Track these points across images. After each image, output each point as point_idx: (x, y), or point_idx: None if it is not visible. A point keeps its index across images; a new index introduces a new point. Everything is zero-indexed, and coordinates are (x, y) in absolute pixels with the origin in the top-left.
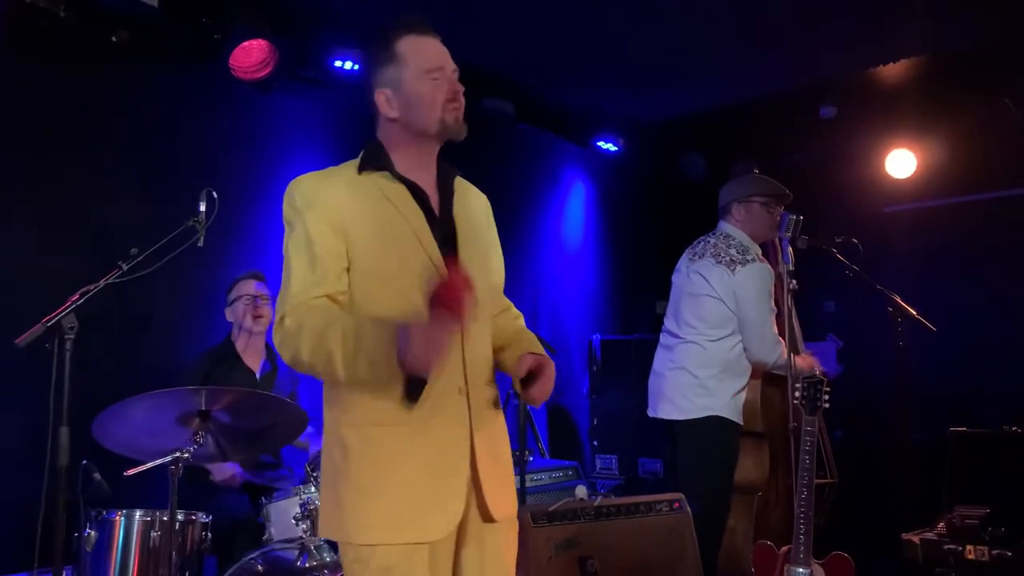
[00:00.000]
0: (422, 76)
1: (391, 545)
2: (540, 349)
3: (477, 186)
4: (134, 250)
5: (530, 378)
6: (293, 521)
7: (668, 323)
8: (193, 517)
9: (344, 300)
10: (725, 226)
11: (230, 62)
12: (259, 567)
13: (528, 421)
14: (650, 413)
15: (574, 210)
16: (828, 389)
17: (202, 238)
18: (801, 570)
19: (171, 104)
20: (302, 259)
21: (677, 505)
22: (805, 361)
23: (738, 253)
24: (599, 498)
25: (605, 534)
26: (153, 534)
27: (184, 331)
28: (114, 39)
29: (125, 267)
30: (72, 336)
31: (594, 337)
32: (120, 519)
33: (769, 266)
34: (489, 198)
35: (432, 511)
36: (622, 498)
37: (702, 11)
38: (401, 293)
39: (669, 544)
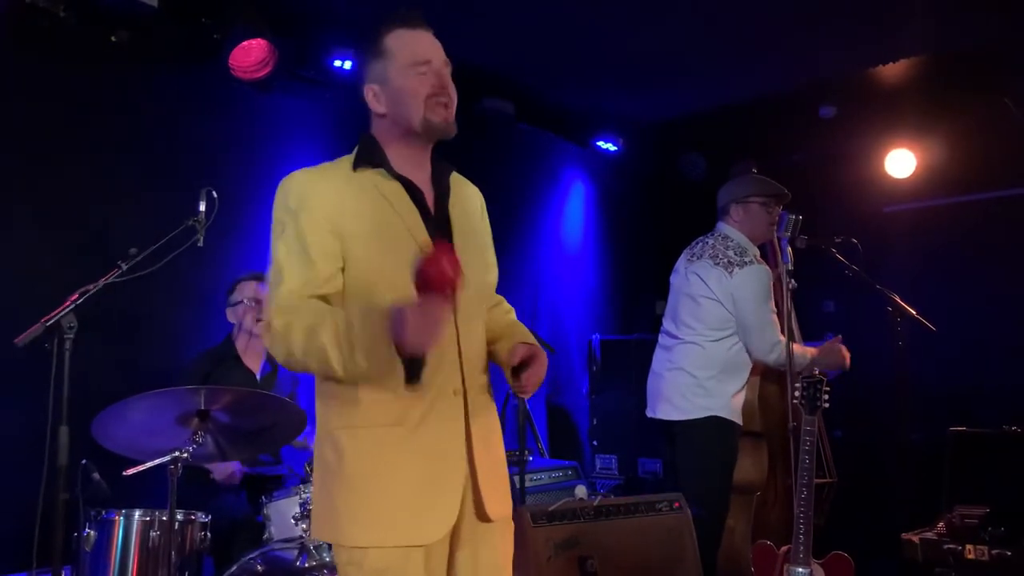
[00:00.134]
0: (407, 70)
1: (385, 548)
2: (532, 340)
3: (477, 186)
4: (133, 250)
5: (522, 367)
6: (292, 521)
7: (666, 324)
8: (192, 517)
9: (336, 301)
10: (723, 227)
11: (230, 62)
12: (258, 567)
13: (528, 421)
14: (649, 414)
15: (574, 210)
16: (827, 389)
17: (202, 238)
18: (801, 570)
19: (171, 104)
20: (293, 261)
21: (677, 505)
22: (803, 349)
23: (736, 255)
24: (599, 498)
25: (605, 534)
26: (152, 534)
27: (183, 331)
28: (114, 39)
29: (124, 267)
30: (71, 336)
31: (594, 337)
32: (119, 519)
33: (767, 267)
34: (489, 198)
35: (427, 513)
36: (622, 498)
37: (702, 11)
38: (396, 291)
39: (669, 544)
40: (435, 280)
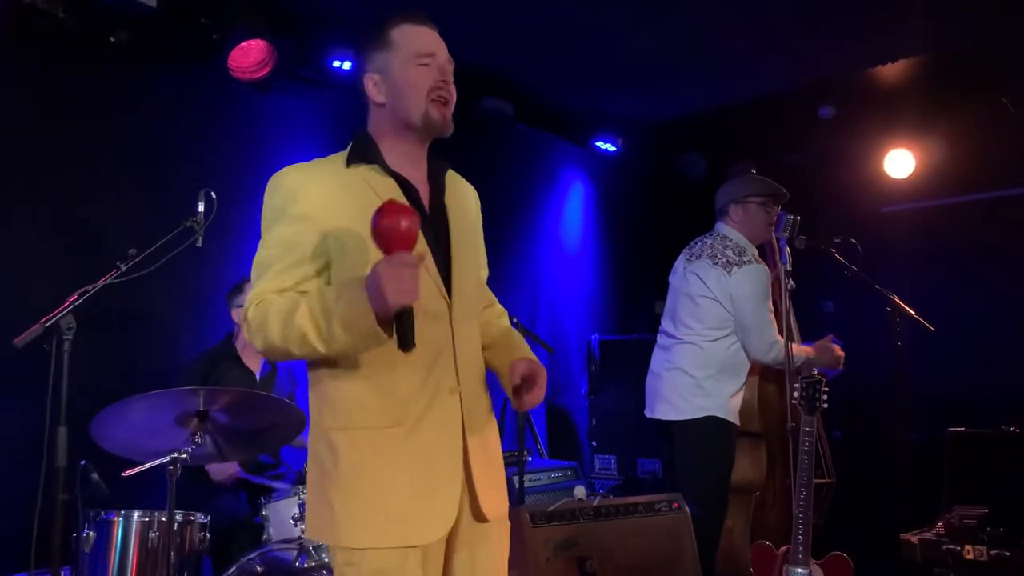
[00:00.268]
0: (410, 61)
1: (382, 548)
2: (530, 352)
3: (475, 186)
4: (132, 250)
5: (523, 385)
6: (291, 521)
7: (665, 324)
8: (191, 517)
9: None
10: (722, 227)
11: (229, 62)
12: (257, 567)
13: (527, 421)
14: (647, 414)
15: (573, 210)
16: (826, 389)
17: (200, 238)
18: (800, 570)
19: (170, 104)
20: (275, 257)
21: (676, 505)
22: (801, 349)
23: (735, 255)
24: (598, 498)
25: (604, 534)
26: (151, 534)
27: (182, 332)
28: (113, 40)
29: (123, 267)
30: (70, 337)
31: (593, 337)
32: (118, 519)
33: (766, 267)
34: (488, 198)
35: (424, 514)
36: (621, 498)
37: (702, 11)
38: None
39: (668, 544)
40: (394, 233)
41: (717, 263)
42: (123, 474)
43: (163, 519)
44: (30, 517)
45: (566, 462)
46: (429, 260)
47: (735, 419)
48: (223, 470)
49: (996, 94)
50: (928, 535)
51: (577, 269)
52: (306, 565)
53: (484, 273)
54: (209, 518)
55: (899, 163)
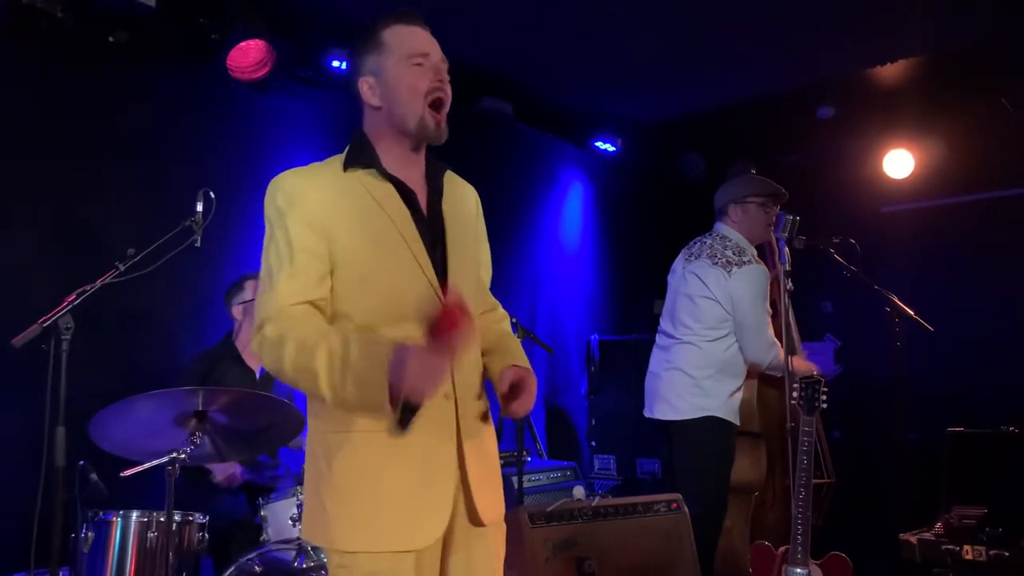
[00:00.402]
0: (404, 61)
1: (375, 552)
2: (524, 359)
3: (475, 186)
4: (131, 250)
5: (512, 392)
6: (290, 522)
7: (664, 324)
8: (190, 518)
9: (325, 306)
10: (721, 227)
11: (227, 62)
12: (256, 568)
13: (526, 421)
14: (646, 414)
15: (572, 210)
16: (826, 389)
17: (199, 238)
18: (799, 570)
19: (169, 104)
20: (283, 263)
21: (675, 506)
22: (803, 364)
23: (734, 255)
24: (597, 498)
25: (603, 534)
26: (150, 535)
27: (181, 332)
28: (111, 39)
29: (122, 267)
30: (68, 337)
31: (592, 337)
32: (117, 520)
33: (765, 267)
34: (487, 199)
35: (418, 519)
36: (620, 498)
37: (702, 11)
38: (386, 296)
39: (667, 545)
40: (446, 329)
41: (716, 263)
42: (122, 474)
43: (162, 519)
44: (29, 517)
45: (565, 462)
46: (426, 263)
47: (734, 419)
48: (226, 470)
49: (995, 94)
50: (927, 535)
51: (576, 269)
52: (305, 565)
53: (487, 274)
54: (208, 518)
55: (898, 163)
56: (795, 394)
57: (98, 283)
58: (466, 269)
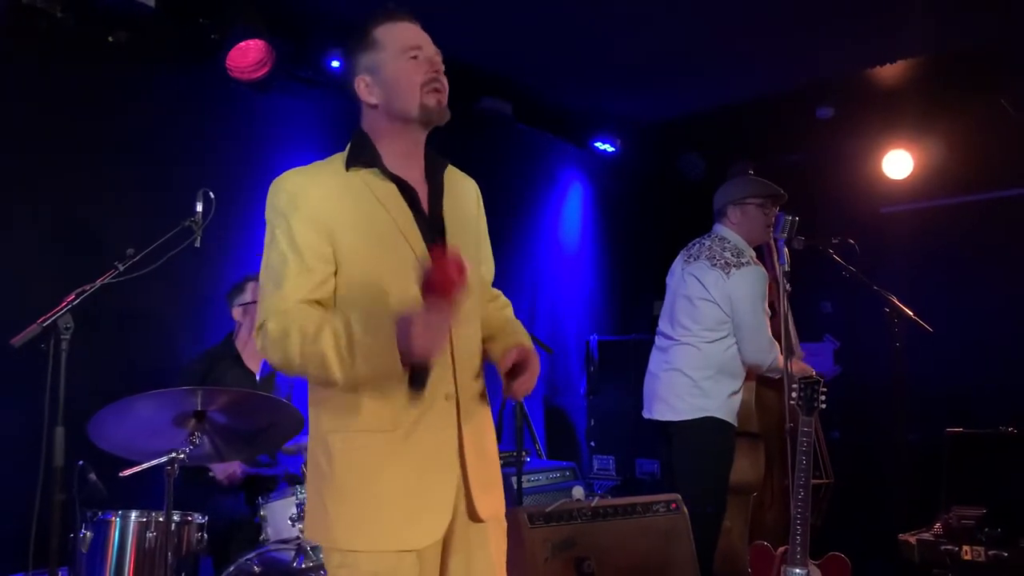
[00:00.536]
0: (399, 56)
1: (378, 552)
2: (527, 340)
3: None
4: (130, 250)
5: (515, 371)
6: (289, 522)
7: (662, 325)
8: (189, 518)
9: (329, 304)
10: (720, 228)
11: (227, 62)
12: (255, 568)
13: (525, 421)
14: (645, 414)
15: (572, 211)
16: (825, 390)
17: (199, 239)
18: (798, 571)
19: (168, 104)
20: (286, 263)
21: (674, 506)
22: (800, 367)
23: (733, 256)
24: (596, 499)
25: (602, 535)
26: (149, 535)
27: (180, 332)
28: (111, 39)
29: (121, 267)
30: (68, 337)
31: (592, 338)
32: (116, 520)
33: (764, 269)
34: (487, 198)
35: (419, 518)
36: (619, 499)
37: (701, 11)
38: (389, 293)
39: (666, 545)
40: (441, 285)
41: (715, 265)
42: (121, 474)
43: (161, 519)
44: (28, 517)
45: (564, 463)
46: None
47: (733, 420)
48: (227, 468)
49: (995, 95)
50: (926, 536)
51: (576, 269)
52: (304, 566)
53: (488, 269)
54: (207, 518)
55: (898, 164)
56: (794, 395)
57: (97, 283)
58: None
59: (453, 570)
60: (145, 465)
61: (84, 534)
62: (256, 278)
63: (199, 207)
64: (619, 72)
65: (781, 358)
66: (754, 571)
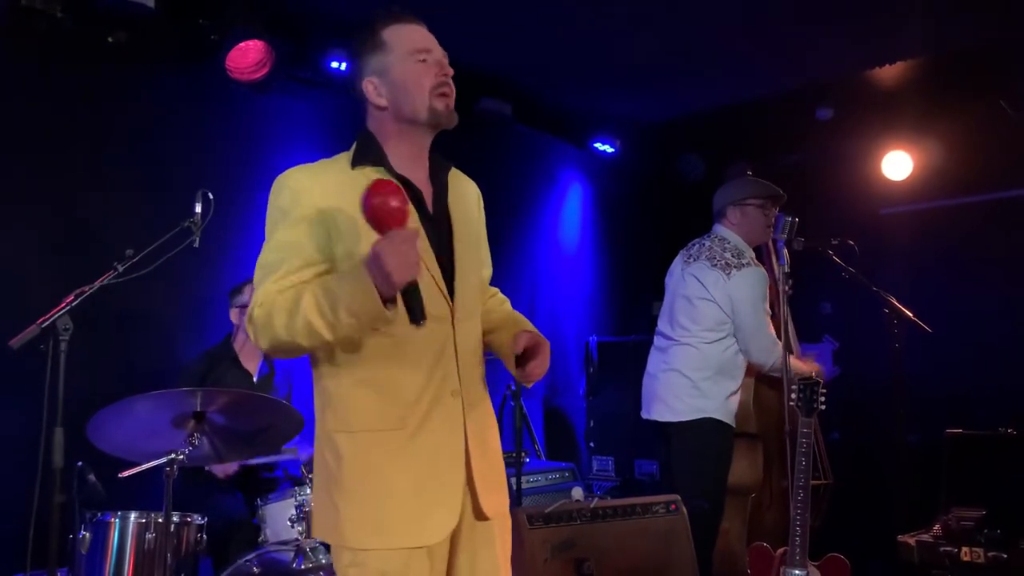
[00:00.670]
0: (408, 58)
1: (387, 550)
2: (534, 329)
3: None
4: (130, 251)
5: (526, 356)
6: (288, 523)
7: (661, 325)
8: (188, 519)
9: None
10: (720, 229)
11: (227, 63)
12: (255, 569)
13: (524, 422)
14: (643, 415)
15: (571, 211)
16: (824, 391)
17: (198, 239)
18: (797, 572)
19: (168, 105)
20: (281, 258)
21: (673, 507)
22: (809, 365)
23: (733, 257)
24: (595, 500)
25: (601, 536)
26: (148, 536)
27: (179, 332)
28: (111, 40)
29: (120, 268)
30: (67, 337)
31: (591, 339)
32: (115, 521)
33: (764, 270)
34: (486, 199)
35: (428, 516)
36: (618, 500)
37: (701, 12)
38: None
39: (665, 546)
40: (386, 211)
41: (716, 265)
42: (120, 475)
43: (160, 520)
44: (27, 518)
45: (564, 463)
46: (432, 262)
47: (732, 421)
48: (224, 468)
49: (994, 96)
50: (925, 537)
51: (575, 270)
52: (303, 566)
53: (487, 272)
54: (206, 519)
55: (897, 165)
56: (794, 396)
57: (96, 284)
58: (471, 266)
59: (460, 568)
60: (144, 466)
61: (83, 535)
62: (252, 282)
63: (198, 208)
64: (619, 72)
65: (791, 360)
66: (753, 572)
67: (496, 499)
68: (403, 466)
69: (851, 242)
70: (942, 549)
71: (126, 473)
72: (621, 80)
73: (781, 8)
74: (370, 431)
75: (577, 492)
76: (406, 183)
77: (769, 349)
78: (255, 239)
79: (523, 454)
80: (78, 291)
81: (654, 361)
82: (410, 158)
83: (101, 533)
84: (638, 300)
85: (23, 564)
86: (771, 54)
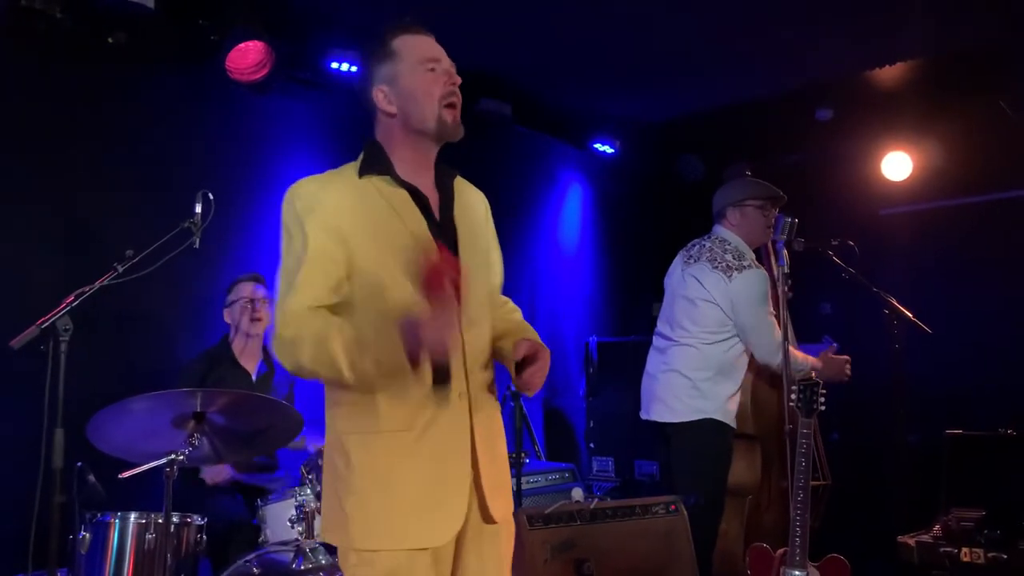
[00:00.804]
0: (417, 67)
1: (394, 551)
2: (537, 338)
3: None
4: (130, 252)
5: (525, 363)
6: (288, 523)
7: (661, 326)
8: (188, 519)
9: (343, 309)
10: (720, 230)
11: (227, 64)
12: (254, 569)
13: (525, 423)
14: (643, 415)
15: (571, 212)
16: (823, 391)
17: (198, 240)
18: (797, 572)
19: (168, 105)
20: (301, 269)
21: (673, 508)
22: (810, 359)
23: (734, 259)
24: (595, 500)
25: (601, 536)
26: (148, 536)
27: (179, 333)
28: (110, 41)
29: (120, 269)
30: (67, 338)
31: (591, 339)
32: (115, 521)
33: (764, 271)
34: (486, 200)
35: (435, 517)
36: (618, 501)
37: (701, 11)
38: (402, 300)
39: (665, 547)
40: (439, 286)
41: (717, 267)
42: (120, 476)
43: (159, 521)
44: (27, 519)
45: (564, 464)
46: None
47: (731, 422)
48: (217, 473)
49: (994, 96)
50: (925, 537)
51: (575, 271)
52: (303, 567)
53: (498, 280)
54: (206, 520)
55: (897, 165)
56: (793, 396)
57: (96, 284)
58: (478, 275)
59: (466, 567)
60: (144, 467)
61: (83, 535)
62: (243, 279)
63: (198, 208)
64: (619, 72)
65: (795, 352)
66: (753, 573)
67: (503, 503)
68: (410, 467)
69: (851, 243)
70: (942, 550)
71: (126, 474)
72: (621, 80)
73: (781, 8)
74: (379, 433)
75: (577, 493)
76: (413, 190)
77: (774, 349)
78: (255, 240)
79: (523, 455)
80: (78, 292)
81: (653, 362)
82: (416, 166)
83: (101, 534)
84: (638, 300)
85: (24, 564)
86: (771, 54)
